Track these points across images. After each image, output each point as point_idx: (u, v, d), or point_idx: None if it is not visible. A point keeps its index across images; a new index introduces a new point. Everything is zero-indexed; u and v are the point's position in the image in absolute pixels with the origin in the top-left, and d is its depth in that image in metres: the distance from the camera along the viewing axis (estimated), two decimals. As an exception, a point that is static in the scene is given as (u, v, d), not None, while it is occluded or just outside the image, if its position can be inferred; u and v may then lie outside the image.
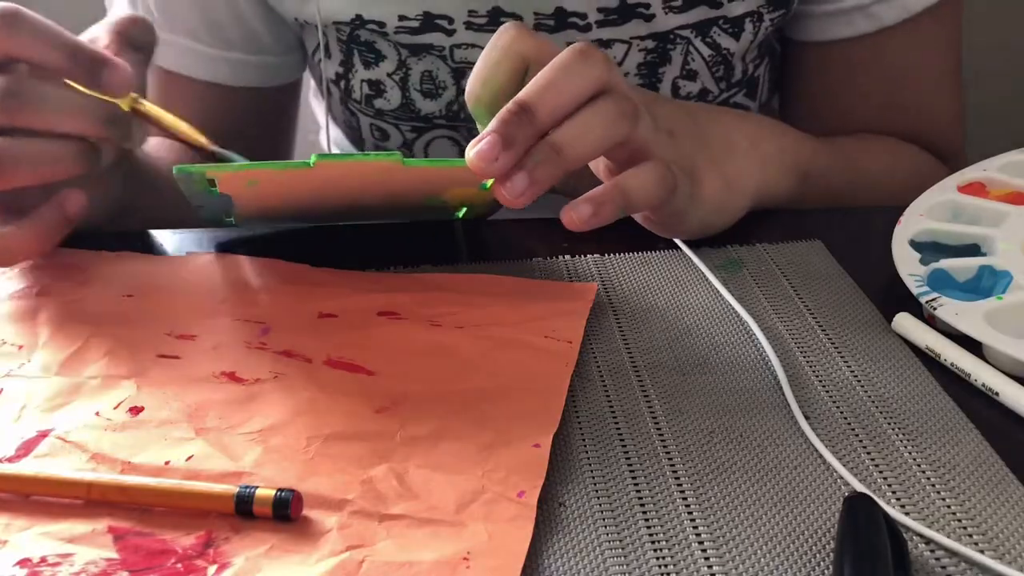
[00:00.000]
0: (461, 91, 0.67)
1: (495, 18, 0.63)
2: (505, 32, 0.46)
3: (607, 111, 0.43)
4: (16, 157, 0.45)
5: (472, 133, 0.68)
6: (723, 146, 0.53)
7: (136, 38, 0.50)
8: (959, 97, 0.71)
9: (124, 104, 0.48)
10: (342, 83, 0.70)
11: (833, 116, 0.70)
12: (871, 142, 0.69)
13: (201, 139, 0.50)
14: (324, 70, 0.72)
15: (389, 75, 0.68)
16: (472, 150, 0.41)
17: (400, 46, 0.66)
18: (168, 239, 0.56)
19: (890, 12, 0.66)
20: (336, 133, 0.79)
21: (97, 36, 0.49)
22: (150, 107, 0.49)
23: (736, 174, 0.53)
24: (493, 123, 0.41)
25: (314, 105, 0.81)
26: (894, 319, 0.46)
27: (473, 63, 0.57)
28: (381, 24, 0.64)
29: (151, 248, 0.54)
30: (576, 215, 0.43)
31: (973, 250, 0.50)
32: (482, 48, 0.63)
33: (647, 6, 0.63)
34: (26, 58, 0.45)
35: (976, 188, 0.55)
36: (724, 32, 0.65)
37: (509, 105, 0.41)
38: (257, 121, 0.73)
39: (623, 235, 0.55)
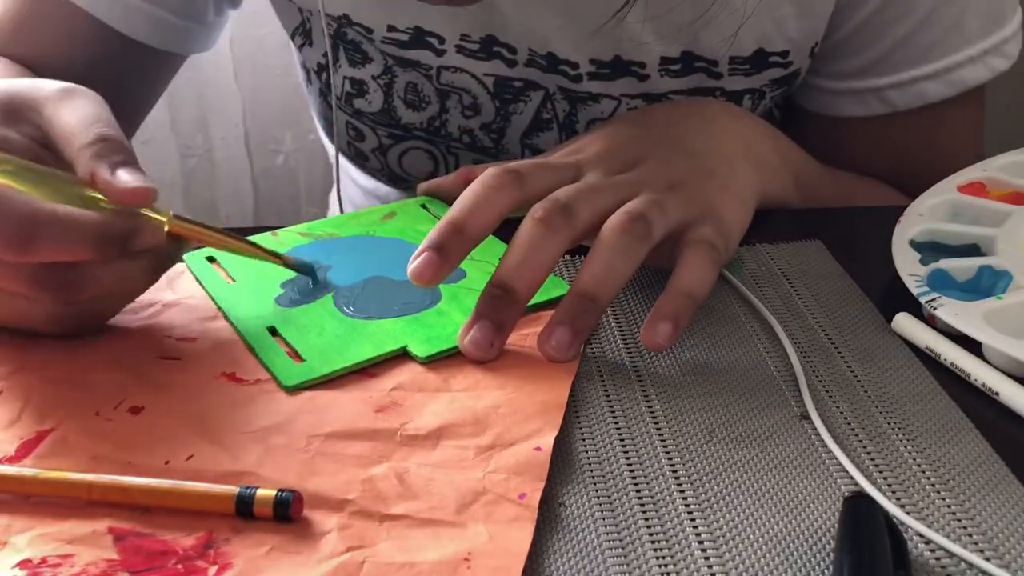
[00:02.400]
0: (445, 108, 0.66)
1: (487, 46, 0.62)
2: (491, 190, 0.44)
3: (623, 244, 0.43)
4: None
5: (450, 149, 0.68)
6: (723, 162, 0.51)
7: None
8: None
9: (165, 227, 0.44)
10: (323, 75, 0.68)
11: None
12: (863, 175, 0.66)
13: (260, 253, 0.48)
14: (304, 59, 0.69)
15: (374, 77, 0.66)
16: (466, 339, 0.43)
17: (387, 54, 0.65)
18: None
19: (905, 98, 0.63)
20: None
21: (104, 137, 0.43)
22: (190, 228, 0.45)
23: (741, 187, 0.51)
24: (480, 307, 0.43)
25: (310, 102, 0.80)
26: (894, 319, 0.46)
27: (459, 88, 0.54)
28: (368, 30, 0.63)
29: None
30: (660, 337, 0.42)
31: (973, 250, 0.50)
32: (470, 75, 0.61)
33: (642, 65, 0.61)
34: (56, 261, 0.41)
35: (976, 188, 0.55)
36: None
37: (490, 288, 0.43)
38: (128, 75, 0.67)
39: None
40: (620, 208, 0.44)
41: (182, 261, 0.50)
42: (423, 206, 0.56)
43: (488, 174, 0.45)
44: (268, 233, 0.54)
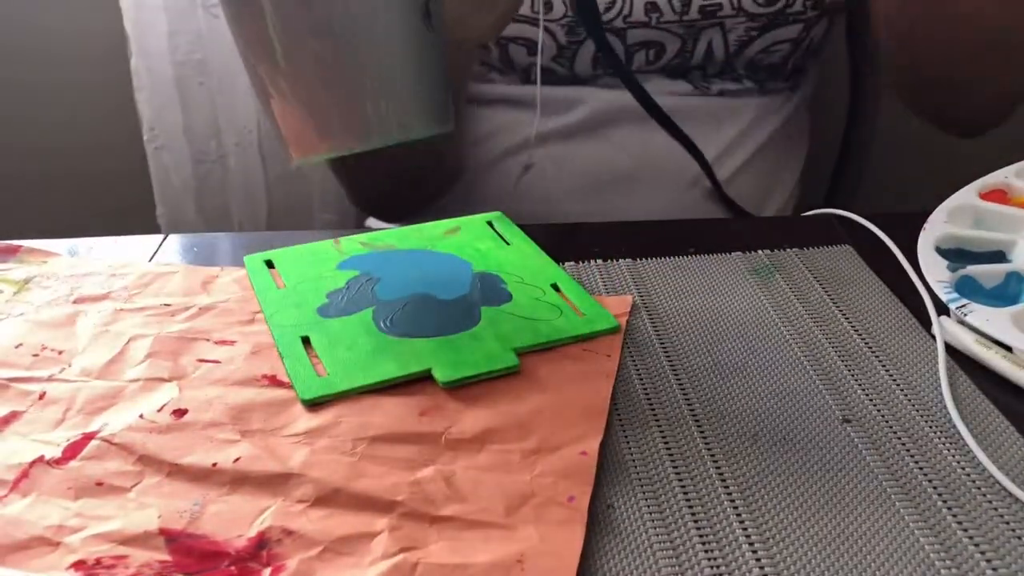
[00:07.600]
0: None
1: None
2: None
3: None
4: None
5: None
6: None
7: None
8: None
9: None
10: None
11: None
12: None
13: None
14: None
15: None
16: None
17: None
18: (198, 245, 0.56)
19: None
20: None
21: None
22: None
23: None
24: None
25: None
26: (937, 321, 0.46)
27: None
28: None
29: (190, 253, 0.54)
30: None
31: (998, 256, 0.50)
32: None
33: None
34: None
35: (998, 195, 0.55)
36: None
37: None
38: None
39: (652, 239, 0.55)
40: None
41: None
42: (488, 223, 0.56)
43: None
44: (331, 241, 0.54)
